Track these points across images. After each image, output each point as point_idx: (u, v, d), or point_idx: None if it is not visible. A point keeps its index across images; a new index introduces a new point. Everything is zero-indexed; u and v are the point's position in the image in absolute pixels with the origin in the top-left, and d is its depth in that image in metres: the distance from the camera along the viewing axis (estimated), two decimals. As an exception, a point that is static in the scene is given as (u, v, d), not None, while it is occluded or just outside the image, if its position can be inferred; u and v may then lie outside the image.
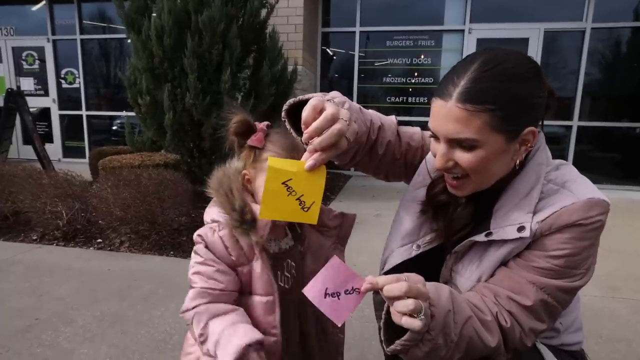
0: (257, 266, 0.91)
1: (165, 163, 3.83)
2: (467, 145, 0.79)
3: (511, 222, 0.84)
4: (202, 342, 0.86)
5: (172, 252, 3.02)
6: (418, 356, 0.78)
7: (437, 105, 0.80)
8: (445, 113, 0.78)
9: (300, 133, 0.82)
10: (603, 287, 2.57)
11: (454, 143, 0.80)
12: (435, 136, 0.84)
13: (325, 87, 7.06)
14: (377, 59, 6.77)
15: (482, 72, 0.76)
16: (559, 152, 6.22)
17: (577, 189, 0.83)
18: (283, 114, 0.91)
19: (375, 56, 6.76)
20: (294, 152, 0.90)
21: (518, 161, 0.85)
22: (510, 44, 6.28)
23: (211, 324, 0.86)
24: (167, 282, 2.53)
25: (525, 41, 6.15)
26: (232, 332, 0.83)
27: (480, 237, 0.87)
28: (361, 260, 2.96)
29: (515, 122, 0.78)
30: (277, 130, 0.94)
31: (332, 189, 5.37)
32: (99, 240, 3.27)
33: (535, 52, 6.14)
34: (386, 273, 1.03)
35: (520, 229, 0.82)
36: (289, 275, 0.98)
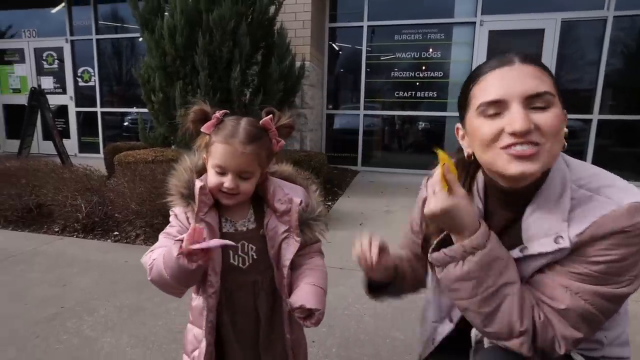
0: None
1: (177, 158, 3.96)
2: (544, 101, 0.77)
3: (545, 234, 0.80)
4: (151, 269, 0.99)
5: (185, 245, 3.14)
6: (451, 277, 0.82)
7: (499, 73, 0.80)
8: (517, 73, 0.78)
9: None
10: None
11: (529, 102, 0.77)
12: (492, 113, 0.80)
13: (332, 82, 7.07)
14: (385, 54, 6.71)
15: (526, 54, 0.82)
16: (577, 147, 6.05)
17: (615, 195, 0.77)
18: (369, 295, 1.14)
19: (383, 50, 6.70)
20: (230, 138, 0.98)
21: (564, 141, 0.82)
22: (524, 35, 6.10)
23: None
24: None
25: (540, 32, 5.93)
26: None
27: (515, 253, 0.83)
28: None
29: (561, 96, 0.80)
30: (232, 118, 1.02)
31: (339, 185, 5.39)
32: (116, 232, 3.42)
33: (551, 43, 5.91)
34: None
35: (557, 239, 0.78)
36: (245, 256, 1.05)
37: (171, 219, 1.08)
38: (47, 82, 8.25)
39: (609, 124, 5.99)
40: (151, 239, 3.27)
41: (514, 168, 0.78)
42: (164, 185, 3.24)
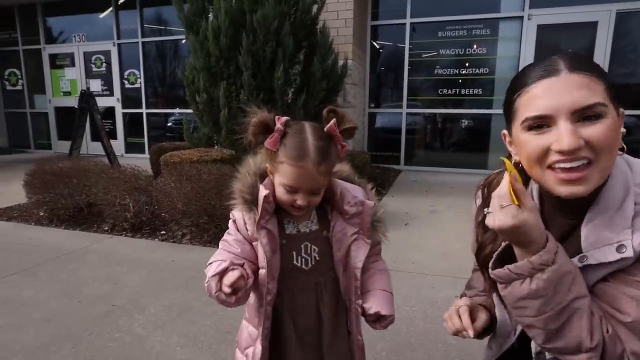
0: (260, 241, 0.98)
1: (221, 158, 3.98)
2: (594, 113, 0.71)
3: (607, 242, 0.74)
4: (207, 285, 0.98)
5: (230, 245, 3.13)
6: (517, 295, 0.75)
7: (545, 85, 0.73)
8: (563, 84, 0.72)
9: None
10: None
11: (578, 116, 0.71)
12: (539, 129, 0.75)
13: (374, 81, 7.00)
14: (428, 51, 6.58)
15: (574, 55, 0.75)
16: (633, 146, 5.67)
17: None
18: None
19: (425, 48, 6.58)
20: (301, 161, 0.90)
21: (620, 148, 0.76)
22: (575, 29, 5.86)
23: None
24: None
25: (593, 25, 5.67)
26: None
27: (574, 263, 0.78)
28: (420, 258, 2.91)
29: (615, 97, 0.74)
30: (295, 128, 0.94)
31: (382, 184, 5.34)
32: (163, 232, 3.46)
33: (605, 37, 5.65)
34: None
35: (620, 247, 0.72)
36: (308, 258, 1.02)
37: (230, 224, 1.06)
38: (96, 85, 8.65)
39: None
40: (197, 238, 3.28)
41: (563, 190, 0.75)
42: (209, 185, 3.23)
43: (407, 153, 6.90)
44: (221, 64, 4.26)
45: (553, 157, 0.73)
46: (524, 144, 0.77)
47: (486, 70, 6.33)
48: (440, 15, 6.39)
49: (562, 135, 0.71)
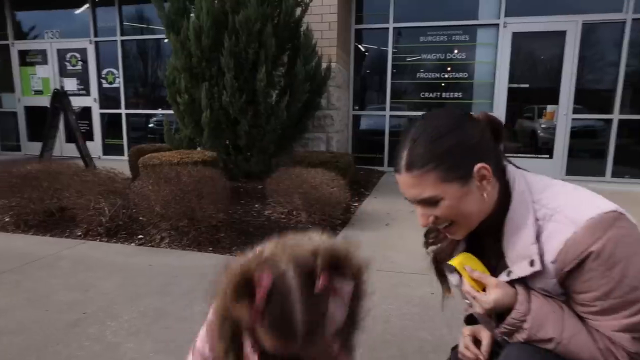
0: None
1: (203, 160, 3.89)
2: (432, 201, 0.87)
3: (520, 258, 0.85)
4: None
5: (210, 248, 3.04)
6: (520, 341, 0.86)
7: (396, 178, 0.92)
8: (402, 183, 0.90)
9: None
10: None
11: (423, 202, 0.89)
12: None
13: (359, 84, 7.05)
14: (411, 55, 6.71)
15: (414, 143, 0.87)
16: (597, 147, 6.17)
17: (572, 212, 0.80)
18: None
19: (408, 52, 6.71)
20: (286, 344, 0.73)
21: (486, 194, 0.87)
22: (546, 37, 6.23)
23: None
24: (207, 278, 2.53)
25: (562, 34, 6.04)
26: None
27: (504, 277, 0.89)
28: (398, 257, 2.93)
29: (459, 168, 0.85)
30: (279, 291, 0.71)
31: (366, 185, 5.37)
32: (140, 236, 3.34)
33: (572, 45, 6.01)
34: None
35: (531, 262, 0.83)
36: None
37: (202, 330, 0.95)
38: (71, 84, 8.31)
39: (630, 123, 6.04)
40: (176, 242, 3.17)
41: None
42: (189, 188, 3.11)
43: (391, 155, 6.97)
44: (203, 65, 4.19)
45: None
46: None
47: (465, 75, 6.55)
48: (421, 20, 6.53)
49: (417, 215, 0.93)
